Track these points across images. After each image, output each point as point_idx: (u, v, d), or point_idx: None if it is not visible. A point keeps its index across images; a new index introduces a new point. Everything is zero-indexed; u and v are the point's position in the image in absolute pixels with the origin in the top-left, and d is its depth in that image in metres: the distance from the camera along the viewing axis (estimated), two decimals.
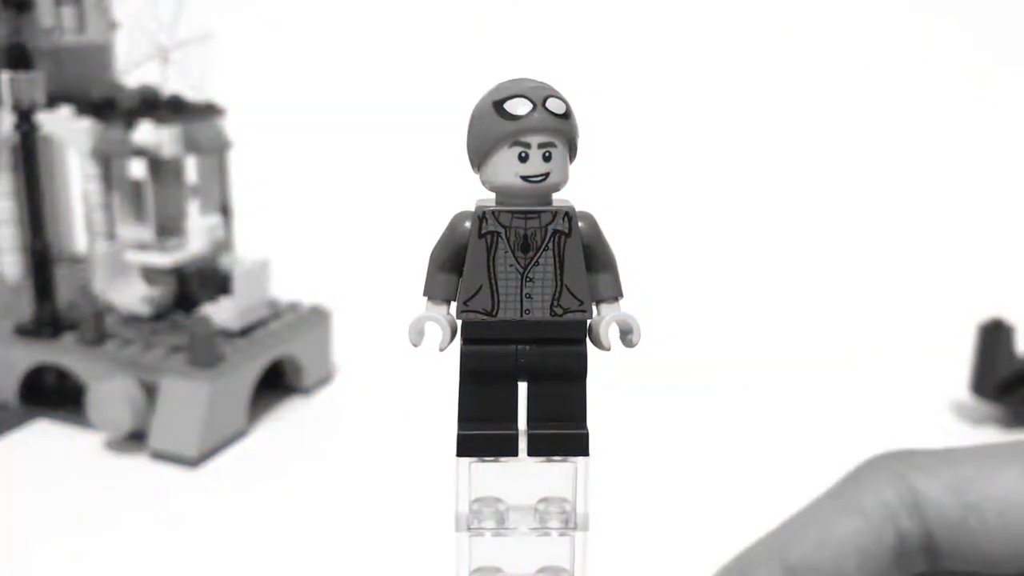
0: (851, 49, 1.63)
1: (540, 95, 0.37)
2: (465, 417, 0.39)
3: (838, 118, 1.60)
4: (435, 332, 0.38)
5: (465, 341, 0.38)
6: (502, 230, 0.38)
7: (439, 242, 0.38)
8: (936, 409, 0.98)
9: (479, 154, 0.37)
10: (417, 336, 0.38)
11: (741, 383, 1.03)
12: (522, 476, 0.39)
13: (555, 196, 0.39)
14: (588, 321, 0.39)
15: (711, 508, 0.79)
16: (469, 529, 0.39)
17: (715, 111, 1.61)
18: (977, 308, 1.03)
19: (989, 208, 1.50)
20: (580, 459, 0.39)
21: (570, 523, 0.39)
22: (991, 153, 1.57)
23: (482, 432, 0.39)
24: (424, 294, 0.39)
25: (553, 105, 0.37)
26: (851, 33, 1.63)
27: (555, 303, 0.38)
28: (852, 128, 1.60)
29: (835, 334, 1.18)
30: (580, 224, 0.38)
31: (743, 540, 0.37)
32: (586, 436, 0.39)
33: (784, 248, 1.43)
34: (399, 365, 1.07)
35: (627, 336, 0.38)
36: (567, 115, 0.37)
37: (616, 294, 0.39)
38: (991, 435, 0.93)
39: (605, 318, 0.38)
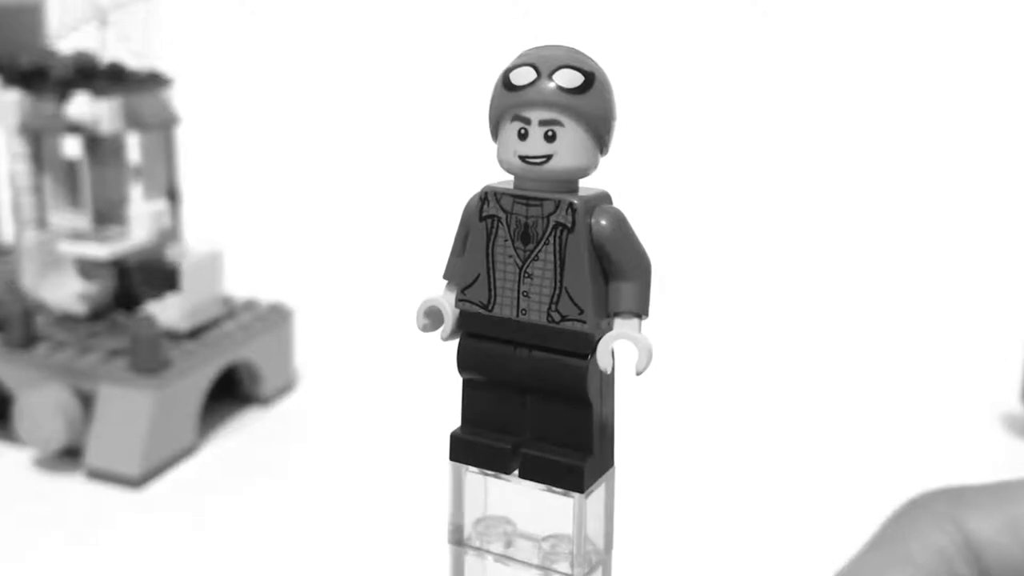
0: (886, 44, 1.63)
1: (551, 64, 0.36)
2: (466, 418, 0.39)
3: (872, 118, 1.60)
4: (439, 319, 0.39)
5: (463, 334, 0.39)
6: (503, 215, 0.37)
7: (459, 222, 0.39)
8: (985, 421, 0.97)
9: (492, 127, 0.37)
10: (423, 321, 0.39)
11: (770, 397, 1.03)
12: (534, 499, 0.38)
13: (586, 185, 0.37)
14: (597, 335, 0.37)
15: (746, 549, 0.77)
16: (463, 544, 0.39)
17: (729, 116, 1.61)
18: None
19: None
20: (577, 495, 0.37)
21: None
22: None
23: (475, 439, 0.38)
24: (443, 276, 0.40)
25: (564, 77, 0.35)
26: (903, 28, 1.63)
27: (552, 307, 0.37)
28: (891, 129, 1.59)
29: (871, 341, 1.18)
30: (600, 221, 0.37)
31: None
32: (581, 469, 0.37)
33: (821, 252, 1.43)
34: (369, 370, 1.07)
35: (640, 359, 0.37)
36: (583, 89, 0.36)
37: (637, 310, 0.37)
38: None
39: (610, 334, 0.37)
